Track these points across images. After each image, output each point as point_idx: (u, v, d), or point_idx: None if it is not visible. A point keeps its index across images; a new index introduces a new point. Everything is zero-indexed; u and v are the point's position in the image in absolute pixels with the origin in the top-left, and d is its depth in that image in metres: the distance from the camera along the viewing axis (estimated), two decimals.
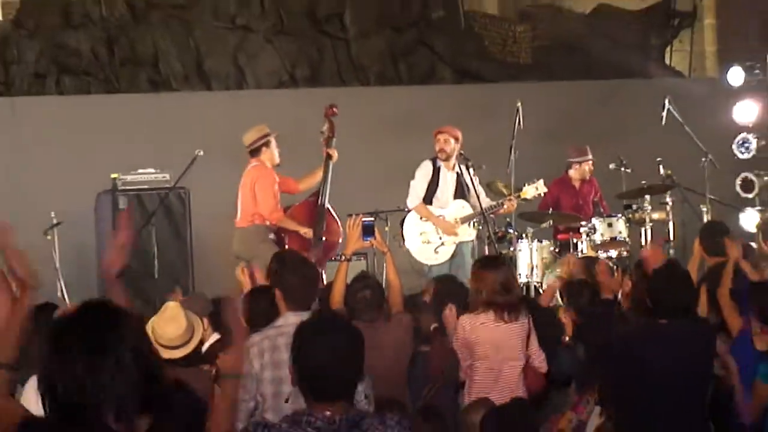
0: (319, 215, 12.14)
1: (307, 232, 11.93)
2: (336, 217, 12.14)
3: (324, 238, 12.06)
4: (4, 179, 13.28)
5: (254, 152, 12.19)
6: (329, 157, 12.30)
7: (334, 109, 12.47)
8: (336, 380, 4.56)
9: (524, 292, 11.87)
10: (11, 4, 15.14)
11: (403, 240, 12.63)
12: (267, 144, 12.18)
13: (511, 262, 12.17)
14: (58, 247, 12.73)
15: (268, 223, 12.02)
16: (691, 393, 7.01)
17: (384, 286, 8.71)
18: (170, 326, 6.92)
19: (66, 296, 12.45)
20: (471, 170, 12.52)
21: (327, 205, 12.22)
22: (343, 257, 8.81)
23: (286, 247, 11.81)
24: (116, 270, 4.86)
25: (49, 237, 12.63)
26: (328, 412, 4.47)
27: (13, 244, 4.31)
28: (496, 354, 7.99)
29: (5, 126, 13.53)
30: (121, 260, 4.86)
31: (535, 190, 12.65)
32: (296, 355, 4.65)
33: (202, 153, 12.91)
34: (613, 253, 12.88)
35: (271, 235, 11.98)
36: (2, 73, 14.94)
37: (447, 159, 12.47)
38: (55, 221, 12.72)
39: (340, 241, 11.89)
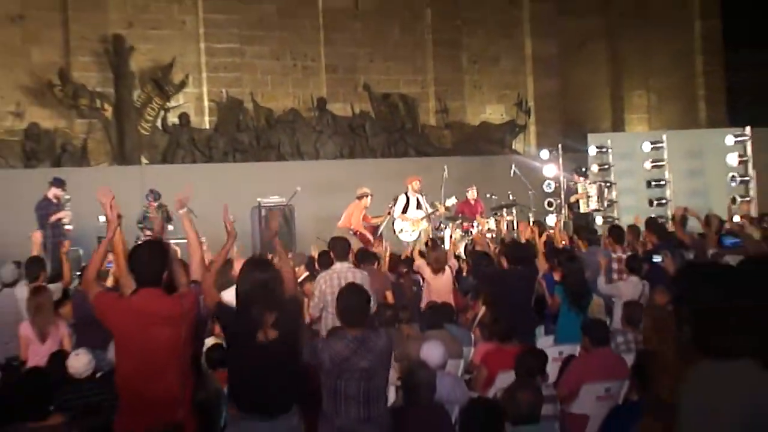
0: (374, 235, 12.21)
1: (369, 239, 12.01)
2: (384, 240, 12.14)
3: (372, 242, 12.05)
4: (212, 203, 13.15)
5: (360, 197, 12.28)
6: (389, 213, 12.37)
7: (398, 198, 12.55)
8: (357, 314, 4.27)
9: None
10: (213, 121, 15.14)
11: (394, 231, 12.66)
12: (366, 196, 12.28)
13: (441, 240, 12.21)
14: None
15: (352, 226, 12.05)
16: (526, 298, 7.06)
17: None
18: None
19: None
20: (423, 196, 12.63)
21: (380, 234, 12.31)
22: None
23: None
24: (275, 232, 4.98)
25: None
26: (352, 332, 4.24)
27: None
28: (438, 290, 8.04)
29: (207, 177, 13.50)
30: (275, 231, 5.00)
31: (450, 201, 12.72)
32: (337, 300, 4.42)
33: (299, 189, 12.85)
34: (489, 235, 12.83)
35: (351, 232, 11.92)
36: (207, 152, 14.94)
37: (415, 191, 12.52)
38: None
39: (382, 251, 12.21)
